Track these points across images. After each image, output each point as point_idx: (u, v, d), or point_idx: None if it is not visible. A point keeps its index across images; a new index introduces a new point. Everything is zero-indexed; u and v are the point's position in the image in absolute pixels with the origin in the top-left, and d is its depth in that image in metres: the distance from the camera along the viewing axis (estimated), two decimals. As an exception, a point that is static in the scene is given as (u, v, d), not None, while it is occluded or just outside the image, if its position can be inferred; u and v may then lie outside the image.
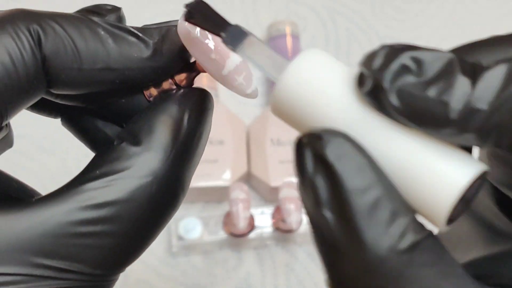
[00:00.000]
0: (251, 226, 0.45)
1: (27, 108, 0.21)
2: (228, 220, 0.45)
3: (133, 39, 0.20)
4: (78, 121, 0.23)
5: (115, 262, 0.19)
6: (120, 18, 0.21)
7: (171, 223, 0.46)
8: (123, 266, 0.19)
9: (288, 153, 0.47)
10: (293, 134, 0.51)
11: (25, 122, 0.52)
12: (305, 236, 0.47)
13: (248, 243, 0.46)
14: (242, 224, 0.41)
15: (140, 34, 0.20)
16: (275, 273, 0.46)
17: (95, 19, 0.20)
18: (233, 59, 0.20)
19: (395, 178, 0.16)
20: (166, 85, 0.21)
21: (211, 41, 0.20)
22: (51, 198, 0.18)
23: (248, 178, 0.49)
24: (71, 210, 0.18)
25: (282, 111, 0.18)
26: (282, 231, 0.46)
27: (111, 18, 0.21)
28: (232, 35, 0.19)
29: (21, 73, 0.18)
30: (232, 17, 0.62)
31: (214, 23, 0.20)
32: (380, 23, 0.57)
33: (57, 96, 0.21)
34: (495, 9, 0.58)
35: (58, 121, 0.48)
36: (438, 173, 0.16)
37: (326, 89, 0.17)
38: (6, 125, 0.22)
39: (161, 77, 0.21)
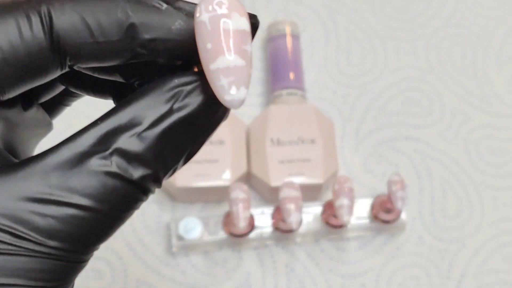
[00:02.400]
0: (251, 226, 0.45)
1: (83, 92, 0.22)
2: (228, 220, 0.45)
3: (160, 7, 0.19)
4: None
5: (77, 236, 0.18)
6: None
7: (171, 223, 0.46)
8: (90, 244, 0.18)
9: (288, 153, 0.47)
10: (292, 135, 0.51)
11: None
12: (305, 236, 0.47)
13: (248, 243, 0.46)
14: (242, 224, 0.41)
15: (171, 5, 0.19)
16: (275, 273, 0.46)
17: None
18: (228, 58, 0.18)
19: None
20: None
21: (217, 30, 0.18)
22: (22, 167, 0.18)
23: (248, 178, 0.49)
24: (38, 180, 0.18)
25: None
26: (282, 231, 0.46)
27: None
28: None
29: (23, 52, 0.18)
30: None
31: None
32: (380, 23, 0.57)
33: (93, 70, 0.20)
34: (496, 9, 0.58)
35: (58, 120, 0.48)
36: None
37: None
38: (37, 106, 0.22)
39: (187, 54, 0.19)
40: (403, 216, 0.47)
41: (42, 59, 0.18)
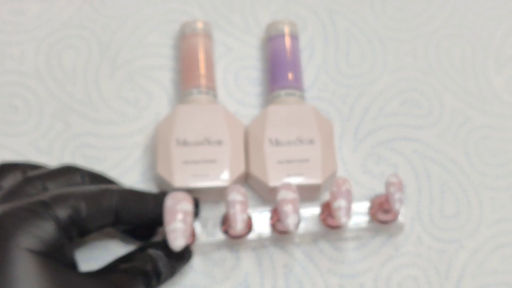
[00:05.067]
0: (249, 228, 0.45)
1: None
2: (226, 221, 0.45)
3: (146, 197, 0.41)
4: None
5: None
6: None
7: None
8: None
9: (286, 154, 0.47)
10: (291, 135, 0.51)
11: (20, 121, 0.52)
12: (303, 237, 0.47)
13: (246, 244, 0.46)
14: (239, 226, 0.41)
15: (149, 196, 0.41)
16: (274, 274, 0.46)
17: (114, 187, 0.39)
18: (175, 224, 0.37)
19: None
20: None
21: (172, 210, 0.38)
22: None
23: (246, 178, 0.49)
24: None
25: None
26: (280, 232, 0.46)
27: None
28: None
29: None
30: (230, 17, 0.61)
31: None
32: (379, 24, 0.57)
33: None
34: (496, 9, 0.58)
35: (53, 120, 0.50)
36: None
37: None
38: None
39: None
40: (401, 217, 0.47)
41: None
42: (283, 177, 0.46)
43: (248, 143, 0.49)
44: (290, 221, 0.41)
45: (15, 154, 0.49)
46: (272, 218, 0.46)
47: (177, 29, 0.55)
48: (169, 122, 0.48)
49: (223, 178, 0.46)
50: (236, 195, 0.41)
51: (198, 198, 0.44)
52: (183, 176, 0.46)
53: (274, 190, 0.46)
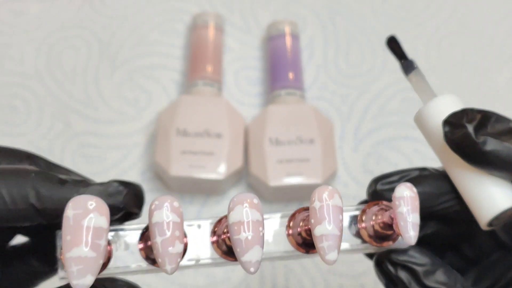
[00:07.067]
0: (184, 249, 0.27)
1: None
2: (145, 240, 0.28)
3: (61, 184, 0.26)
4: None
5: None
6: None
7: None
8: None
9: (287, 153, 0.47)
10: (291, 135, 0.51)
11: (20, 122, 0.52)
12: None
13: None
14: (169, 268, 0.24)
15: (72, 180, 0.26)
16: (274, 273, 0.46)
17: (31, 168, 0.26)
18: (83, 247, 0.22)
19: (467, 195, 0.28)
20: None
21: (77, 226, 0.22)
22: None
23: (246, 177, 0.49)
24: None
25: (418, 122, 0.29)
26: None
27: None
28: (408, 64, 0.31)
29: None
30: (230, 17, 0.61)
31: (400, 53, 0.32)
32: (379, 23, 0.57)
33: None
34: (496, 9, 0.58)
35: (53, 120, 0.49)
36: (484, 200, 0.27)
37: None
38: None
39: None
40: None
41: None
42: (283, 177, 0.46)
43: (249, 142, 0.49)
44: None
45: (15, 154, 0.49)
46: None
47: (177, 29, 0.55)
48: (171, 111, 0.48)
49: (220, 171, 0.46)
50: (167, 214, 0.24)
51: (125, 203, 0.27)
52: (180, 165, 0.46)
53: (274, 190, 0.46)
